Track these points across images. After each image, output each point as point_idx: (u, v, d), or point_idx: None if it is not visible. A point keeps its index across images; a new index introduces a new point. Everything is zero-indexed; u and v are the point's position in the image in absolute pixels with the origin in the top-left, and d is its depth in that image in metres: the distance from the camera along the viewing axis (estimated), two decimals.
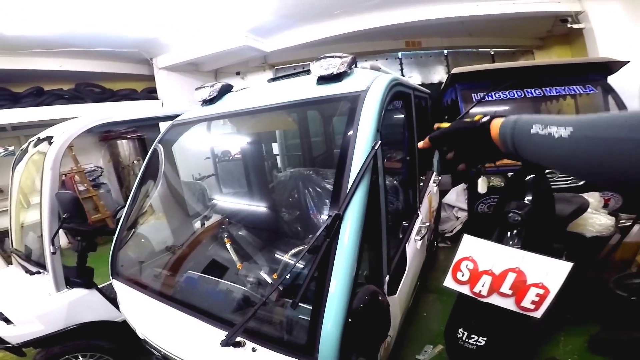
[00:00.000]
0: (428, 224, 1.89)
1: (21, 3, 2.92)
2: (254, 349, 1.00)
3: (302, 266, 1.14)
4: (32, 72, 4.19)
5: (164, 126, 1.90)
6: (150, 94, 5.33)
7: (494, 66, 3.03)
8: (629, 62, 2.69)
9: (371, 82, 1.22)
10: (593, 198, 1.85)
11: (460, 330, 1.50)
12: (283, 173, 2.23)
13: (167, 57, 5.08)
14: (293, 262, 1.22)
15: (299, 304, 0.91)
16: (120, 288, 1.56)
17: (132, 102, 5.03)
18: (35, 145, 2.06)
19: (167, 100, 5.25)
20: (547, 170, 1.54)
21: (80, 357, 1.89)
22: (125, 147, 5.43)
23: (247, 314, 1.00)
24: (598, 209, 1.84)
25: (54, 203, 1.68)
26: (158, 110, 3.28)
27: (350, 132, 1.03)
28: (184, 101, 5.43)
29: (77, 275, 1.89)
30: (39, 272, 1.89)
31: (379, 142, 0.98)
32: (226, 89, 1.86)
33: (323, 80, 1.34)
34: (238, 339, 1.00)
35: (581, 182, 2.31)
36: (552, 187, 1.54)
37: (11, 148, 4.48)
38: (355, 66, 1.42)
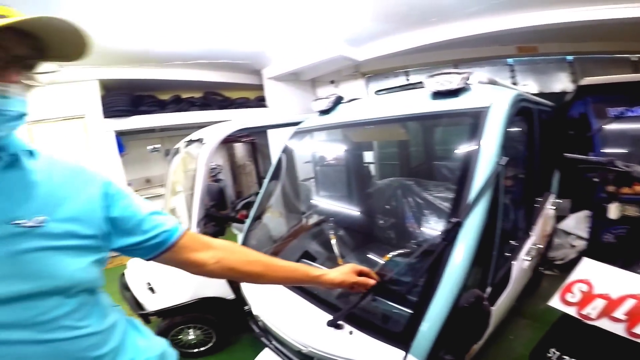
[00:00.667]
0: (539, 247, 1.79)
1: (168, 26, 3.60)
2: (350, 332, 1.13)
3: (411, 263, 1.25)
4: (172, 81, 5.11)
5: (274, 132, 2.20)
6: (260, 102, 6.03)
7: (635, 77, 2.59)
8: None
9: (495, 98, 1.26)
10: None
11: (553, 350, 1.40)
12: (383, 181, 2.34)
13: (273, 68, 5.67)
14: (405, 258, 1.32)
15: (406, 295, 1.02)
16: None
17: (246, 109, 5.74)
18: (187, 145, 2.60)
19: (273, 108, 5.88)
20: None
21: (191, 329, 2.20)
22: (239, 149, 6.26)
23: (351, 301, 1.15)
24: None
25: (204, 192, 2.12)
26: (279, 118, 3.70)
27: (473, 147, 1.10)
28: (287, 108, 5.99)
29: None
30: None
31: (505, 158, 1.03)
32: (339, 100, 2.07)
33: (439, 95, 1.42)
34: (339, 321, 1.16)
35: None
36: None
37: (158, 146, 5.60)
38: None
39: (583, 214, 3.02)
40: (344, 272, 0.95)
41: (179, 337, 2.20)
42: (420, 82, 1.67)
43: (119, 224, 0.71)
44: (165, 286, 2.09)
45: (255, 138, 5.67)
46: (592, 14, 3.39)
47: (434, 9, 3.80)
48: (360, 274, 1.00)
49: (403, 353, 0.96)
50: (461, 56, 4.93)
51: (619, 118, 2.29)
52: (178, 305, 2.05)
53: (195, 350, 2.26)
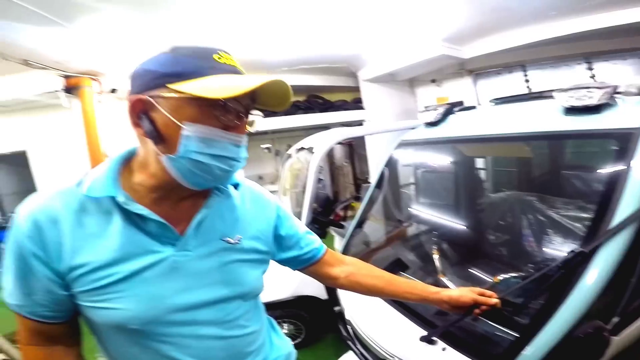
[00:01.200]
0: None
1: (277, 37, 3.91)
2: (444, 349, 1.13)
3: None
4: None
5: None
6: (356, 103, 6.17)
7: None
8: None
9: None
10: None
11: None
12: (497, 194, 2.20)
13: (368, 69, 5.66)
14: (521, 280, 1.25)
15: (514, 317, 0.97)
16: None
17: (344, 112, 5.93)
18: (298, 151, 2.88)
19: (370, 109, 5.94)
20: None
21: (286, 324, 2.37)
22: (338, 151, 6.55)
23: (450, 319, 1.13)
24: None
25: (313, 199, 2.34)
26: (379, 127, 3.76)
27: (620, 171, 0.98)
28: (384, 109, 5.99)
29: None
30: None
31: None
32: (449, 112, 2.02)
33: (574, 111, 1.29)
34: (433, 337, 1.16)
35: None
36: None
37: (269, 146, 6.26)
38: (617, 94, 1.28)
39: None
40: (463, 290, 0.93)
41: None
42: (549, 92, 1.53)
43: (284, 241, 0.86)
44: (271, 283, 2.37)
45: (352, 140, 5.84)
46: None
47: (552, 3, 3.32)
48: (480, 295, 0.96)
49: None
50: (593, 48, 4.15)
51: None
52: (280, 300, 2.25)
53: None
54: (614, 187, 0.97)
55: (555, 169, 1.94)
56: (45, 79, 3.85)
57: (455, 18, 3.82)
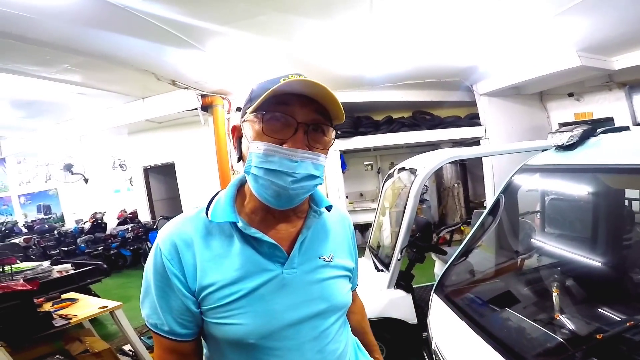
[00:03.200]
0: None
1: (378, 51, 3.88)
2: None
3: None
4: (383, 103, 5.54)
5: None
6: (472, 119, 5.66)
7: None
8: None
9: None
10: None
11: None
12: None
13: (487, 82, 5.21)
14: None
15: None
16: (437, 302, 1.81)
17: (457, 128, 5.54)
18: (399, 172, 2.84)
19: (489, 126, 5.39)
20: None
21: None
22: (449, 170, 6.14)
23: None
24: None
25: (410, 223, 2.26)
26: (492, 148, 3.41)
27: None
28: (505, 126, 5.36)
29: (402, 278, 2.38)
30: (382, 270, 2.54)
31: None
32: (589, 134, 1.67)
33: None
34: None
35: None
36: None
37: (371, 163, 6.30)
38: None
39: None
40: None
41: None
42: None
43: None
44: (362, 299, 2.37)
45: (465, 159, 5.41)
46: None
47: None
48: None
49: None
50: None
51: None
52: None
53: None
54: None
55: None
56: (186, 98, 4.59)
57: (594, 28, 3.33)
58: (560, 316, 1.48)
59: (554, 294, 1.59)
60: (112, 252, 6.31)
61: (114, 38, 2.97)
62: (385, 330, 2.35)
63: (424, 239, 2.20)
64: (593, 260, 1.88)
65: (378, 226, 3.21)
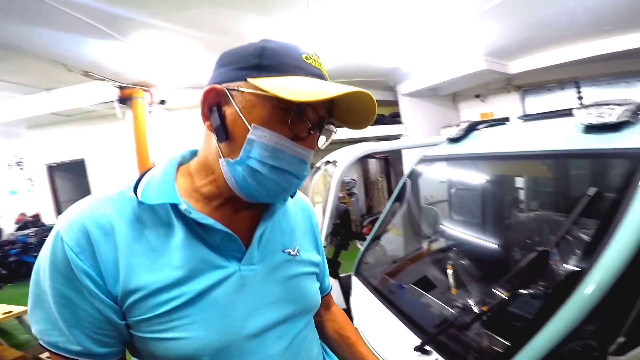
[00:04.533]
0: None
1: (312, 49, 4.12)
2: None
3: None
4: None
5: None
6: (395, 118, 6.15)
7: None
8: None
9: None
10: None
11: None
12: (526, 214, 2.10)
13: (408, 84, 5.64)
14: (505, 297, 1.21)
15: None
16: (357, 284, 1.98)
17: (381, 126, 5.95)
18: (326, 164, 2.97)
19: (409, 124, 5.89)
20: None
21: None
22: (373, 165, 6.56)
23: (440, 327, 1.18)
24: None
25: (333, 211, 2.41)
26: (404, 142, 3.73)
27: (625, 194, 0.93)
28: (423, 124, 5.87)
29: (329, 265, 2.54)
30: None
31: None
32: (472, 127, 1.98)
33: (594, 129, 1.22)
34: (427, 347, 1.16)
35: None
36: None
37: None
38: None
39: None
40: None
41: None
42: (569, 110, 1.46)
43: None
44: None
45: (388, 155, 5.82)
46: None
47: (605, 17, 3.10)
48: None
49: None
50: None
51: None
52: None
53: None
54: (620, 205, 0.93)
55: (577, 189, 1.83)
56: (102, 90, 4.24)
57: (499, 33, 3.77)
58: (457, 291, 1.74)
59: (450, 272, 1.86)
60: (11, 259, 5.52)
61: (15, 25, 2.64)
62: None
63: (342, 226, 2.35)
64: (482, 241, 2.21)
65: None
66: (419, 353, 1.18)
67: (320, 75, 0.54)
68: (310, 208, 0.79)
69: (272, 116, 0.50)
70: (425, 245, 2.34)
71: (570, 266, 0.98)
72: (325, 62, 0.57)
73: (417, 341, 1.25)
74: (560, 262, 1.73)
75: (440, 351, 1.16)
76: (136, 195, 0.53)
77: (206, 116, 0.54)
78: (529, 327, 0.94)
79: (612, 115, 1.18)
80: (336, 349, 0.84)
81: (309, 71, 0.52)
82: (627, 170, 0.99)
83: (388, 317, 1.53)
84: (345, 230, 2.48)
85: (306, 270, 0.68)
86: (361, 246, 2.89)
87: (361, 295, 1.91)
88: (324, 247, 2.45)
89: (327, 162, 2.94)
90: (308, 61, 0.53)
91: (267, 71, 0.50)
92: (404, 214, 2.36)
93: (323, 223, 2.49)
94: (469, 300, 1.60)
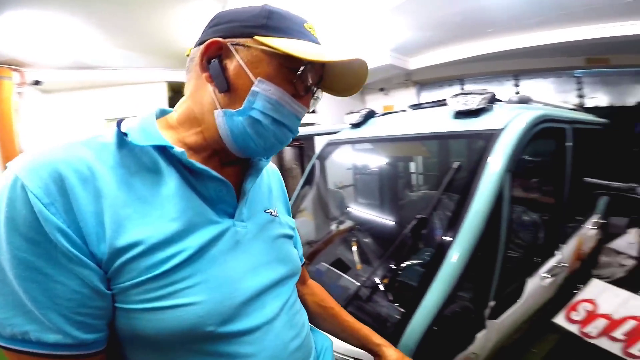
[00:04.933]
0: (566, 265, 1.71)
1: None
2: None
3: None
4: None
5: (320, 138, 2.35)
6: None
7: None
8: None
9: (510, 120, 1.26)
10: None
11: None
12: (415, 193, 2.37)
13: None
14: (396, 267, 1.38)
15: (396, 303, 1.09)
16: None
17: None
18: None
19: (322, 114, 6.09)
20: None
21: None
22: (288, 153, 6.60)
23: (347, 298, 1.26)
24: None
25: None
26: (315, 129, 3.88)
27: (478, 169, 1.12)
28: (334, 115, 6.13)
29: None
30: None
31: (506, 185, 1.05)
32: (371, 115, 2.15)
33: (461, 115, 1.44)
34: None
35: None
36: None
37: None
38: (498, 101, 1.46)
39: (636, 233, 2.81)
40: (403, 354, 0.79)
41: None
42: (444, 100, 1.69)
43: None
44: None
45: (303, 143, 5.92)
46: None
47: (490, 20, 3.65)
48: None
49: None
50: (523, 66, 4.66)
51: None
52: None
53: None
54: (474, 178, 1.11)
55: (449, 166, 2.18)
56: None
57: (405, 29, 4.04)
58: (360, 267, 1.87)
59: (354, 249, 2.00)
60: None
61: None
62: None
63: None
64: (380, 219, 2.44)
65: None
66: None
67: (318, 43, 0.56)
68: (279, 173, 0.79)
69: (279, 73, 0.52)
70: (334, 227, 2.47)
71: (441, 237, 1.12)
72: None
73: None
74: (436, 233, 2.04)
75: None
76: (124, 134, 0.46)
77: (204, 67, 0.52)
78: (416, 294, 1.07)
79: (473, 102, 1.41)
80: (320, 323, 0.82)
81: (309, 38, 0.54)
82: (481, 147, 1.19)
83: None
84: None
85: (286, 232, 0.66)
86: None
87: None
88: None
89: None
90: (308, 29, 0.56)
91: (274, 32, 0.51)
92: (314, 199, 2.44)
93: None
94: (369, 274, 1.77)
